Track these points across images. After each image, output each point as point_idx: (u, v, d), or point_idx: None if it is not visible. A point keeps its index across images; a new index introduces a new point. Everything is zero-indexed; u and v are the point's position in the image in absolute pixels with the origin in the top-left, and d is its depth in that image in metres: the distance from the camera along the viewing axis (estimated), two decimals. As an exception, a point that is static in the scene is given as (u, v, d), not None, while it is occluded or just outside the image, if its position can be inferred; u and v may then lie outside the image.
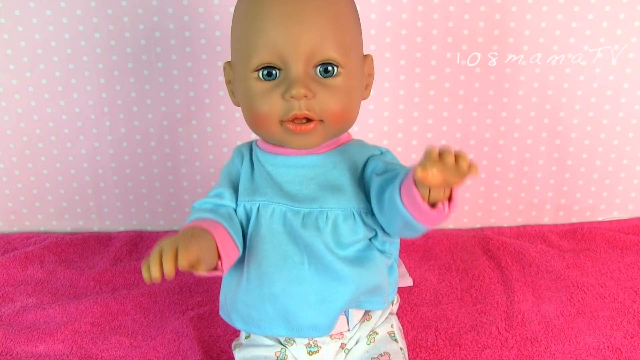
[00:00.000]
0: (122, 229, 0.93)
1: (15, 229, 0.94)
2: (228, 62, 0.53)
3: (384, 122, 0.87)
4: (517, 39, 0.81)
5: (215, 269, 0.47)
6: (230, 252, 0.49)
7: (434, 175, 0.37)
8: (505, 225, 0.93)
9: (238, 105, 0.53)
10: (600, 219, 0.93)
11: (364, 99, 0.53)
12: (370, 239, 0.52)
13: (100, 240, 0.85)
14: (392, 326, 0.56)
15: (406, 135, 0.87)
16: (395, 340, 0.55)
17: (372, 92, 0.82)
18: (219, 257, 0.47)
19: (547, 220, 0.93)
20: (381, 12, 0.80)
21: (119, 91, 0.86)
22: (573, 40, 0.81)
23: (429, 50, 0.82)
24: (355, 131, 0.85)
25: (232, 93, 0.54)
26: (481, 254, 0.82)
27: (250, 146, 0.55)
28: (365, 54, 0.54)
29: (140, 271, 0.74)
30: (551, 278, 0.76)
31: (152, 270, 0.40)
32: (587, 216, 0.93)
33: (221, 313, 0.56)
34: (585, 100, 0.85)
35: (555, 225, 0.91)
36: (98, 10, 0.81)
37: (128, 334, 0.63)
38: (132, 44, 0.83)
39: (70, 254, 0.82)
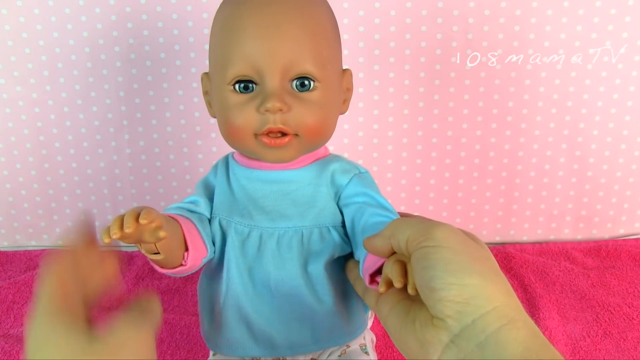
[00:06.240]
0: (140, 241, 0.92)
1: (33, 242, 0.93)
2: (206, 73, 0.52)
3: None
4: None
5: (180, 265, 0.46)
6: (198, 248, 0.47)
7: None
8: (524, 237, 0.92)
9: (214, 117, 0.52)
10: (621, 231, 0.92)
11: (341, 113, 0.52)
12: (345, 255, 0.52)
13: (121, 259, 0.84)
14: (364, 338, 0.56)
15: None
16: (366, 352, 0.55)
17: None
18: (186, 248, 0.46)
19: (567, 232, 0.92)
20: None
21: (138, 104, 0.85)
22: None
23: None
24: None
25: (209, 104, 0.52)
26: (504, 271, 0.79)
27: (226, 159, 0.55)
28: (344, 67, 0.52)
29: (164, 291, 0.76)
30: (576, 297, 0.75)
31: (112, 228, 0.39)
32: (608, 228, 0.92)
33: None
34: (605, 111, 0.85)
35: (579, 242, 0.90)
36: (118, 23, 0.81)
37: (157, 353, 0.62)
38: (152, 56, 0.83)
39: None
